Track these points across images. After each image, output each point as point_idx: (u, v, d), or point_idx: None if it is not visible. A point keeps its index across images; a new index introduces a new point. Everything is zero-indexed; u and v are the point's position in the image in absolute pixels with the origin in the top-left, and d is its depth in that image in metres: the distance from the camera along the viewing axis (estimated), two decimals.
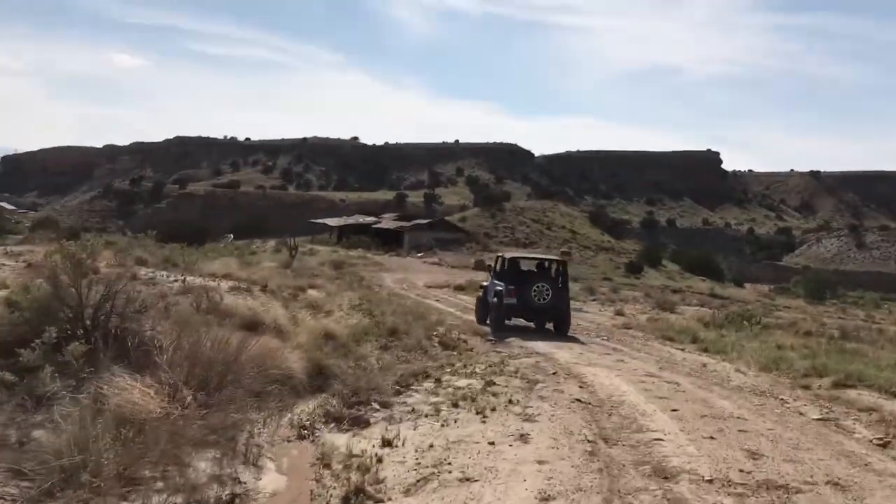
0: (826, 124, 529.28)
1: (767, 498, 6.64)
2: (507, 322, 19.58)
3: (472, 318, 21.91)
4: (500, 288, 19.56)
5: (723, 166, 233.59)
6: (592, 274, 60.01)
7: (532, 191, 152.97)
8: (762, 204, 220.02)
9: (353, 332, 14.10)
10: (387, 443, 7.44)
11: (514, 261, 21.21)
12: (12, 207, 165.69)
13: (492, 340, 17.97)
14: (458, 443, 7.69)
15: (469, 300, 27.03)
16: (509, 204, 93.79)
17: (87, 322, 8.30)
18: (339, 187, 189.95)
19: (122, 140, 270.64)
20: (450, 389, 10.60)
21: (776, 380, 13.73)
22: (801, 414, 10.53)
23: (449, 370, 12.50)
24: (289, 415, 8.36)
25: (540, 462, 7.20)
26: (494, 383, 11.22)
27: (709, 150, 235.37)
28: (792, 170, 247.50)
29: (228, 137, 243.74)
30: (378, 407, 8.98)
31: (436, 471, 6.88)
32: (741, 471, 7.27)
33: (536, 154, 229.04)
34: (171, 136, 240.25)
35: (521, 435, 8.11)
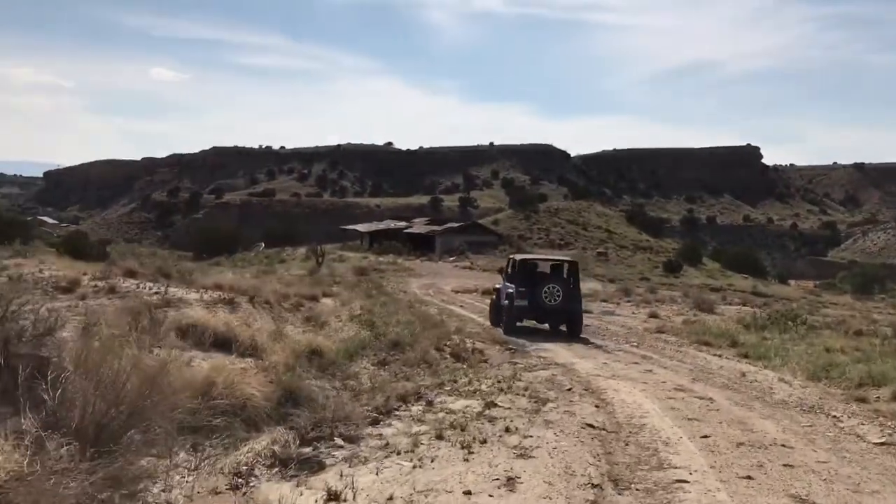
0: (869, 115, 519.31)
1: None
2: (518, 324, 19.40)
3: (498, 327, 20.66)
4: (511, 290, 19.38)
5: (763, 161, 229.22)
6: (629, 274, 58.05)
7: (568, 192, 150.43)
8: (805, 198, 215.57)
9: (346, 346, 12.64)
10: (333, 496, 5.88)
11: (525, 262, 20.83)
12: (54, 221, 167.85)
13: (511, 350, 16.49)
14: (425, 493, 6.12)
15: None
16: (543, 205, 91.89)
17: None
18: (373, 193, 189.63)
19: (161, 152, 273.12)
20: (441, 414, 9.07)
21: (826, 391, 11.97)
22: (859, 437, 8.80)
23: (448, 388, 10.98)
24: (230, 457, 6.87)
25: None
26: (496, 404, 9.66)
27: (748, 145, 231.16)
28: (835, 162, 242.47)
29: (264, 147, 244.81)
30: (342, 443, 7.44)
31: None
32: None
33: (573, 154, 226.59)
34: (207, 147, 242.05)
35: (509, 479, 6.51)
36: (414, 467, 6.84)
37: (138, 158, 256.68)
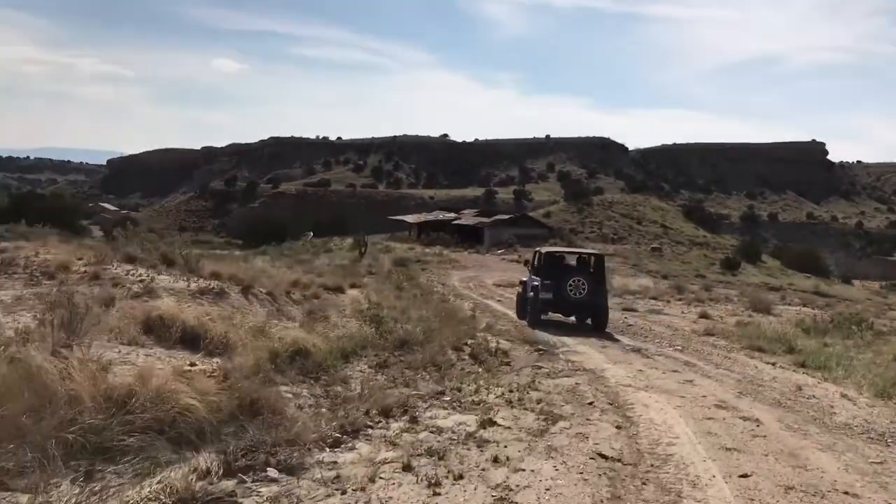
0: None
1: None
2: (543, 317, 19.20)
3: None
4: (536, 283, 19.18)
5: (829, 157, 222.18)
6: (684, 271, 55.87)
7: (626, 185, 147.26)
8: (872, 196, 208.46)
9: (343, 345, 11.17)
10: None
11: (551, 255, 20.48)
12: (114, 208, 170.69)
13: (541, 351, 14.91)
14: None
15: None
16: (597, 198, 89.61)
17: None
18: (428, 185, 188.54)
19: (221, 142, 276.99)
20: (423, 434, 7.53)
21: None
22: None
23: (449, 398, 9.44)
24: (134, 489, 5.42)
25: None
26: (495, 422, 8.10)
27: (813, 141, 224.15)
28: None
29: (321, 137, 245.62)
30: (276, 474, 5.91)
31: None
32: None
33: (630, 148, 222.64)
34: (265, 137, 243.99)
35: None
36: None
37: (198, 147, 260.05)
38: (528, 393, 10.03)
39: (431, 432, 7.60)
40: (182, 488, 5.23)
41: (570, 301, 18.81)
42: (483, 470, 6.38)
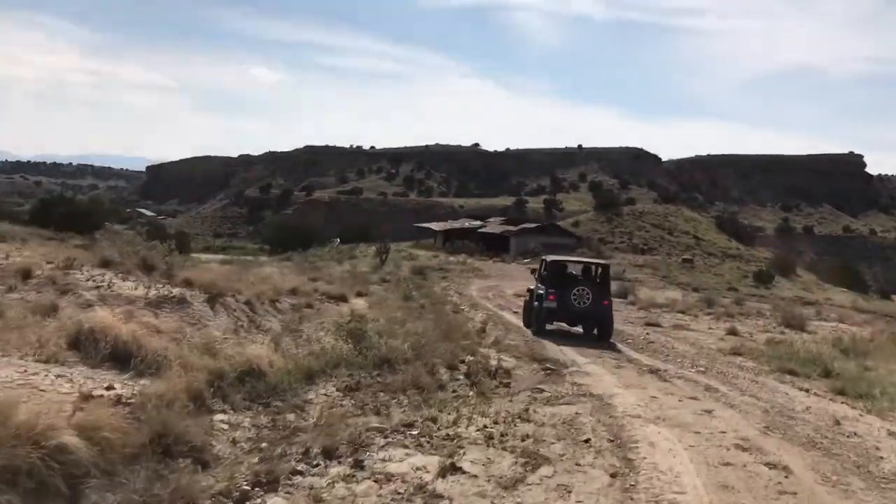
0: None
1: None
2: (548, 326, 18.95)
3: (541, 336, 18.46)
4: (541, 292, 19.09)
5: (867, 170, 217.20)
6: (716, 283, 53.89)
7: (658, 196, 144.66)
8: None
9: (310, 364, 9.78)
10: None
11: (556, 264, 20.29)
12: (152, 214, 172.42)
13: (548, 370, 13.47)
14: None
15: None
16: (627, 208, 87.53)
17: None
18: (459, 193, 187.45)
19: (257, 150, 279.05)
20: (363, 485, 6.09)
21: None
22: None
23: (417, 431, 7.99)
24: None
25: None
26: (459, 468, 6.63)
27: (851, 153, 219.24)
28: None
29: (354, 146, 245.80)
30: None
31: None
32: None
33: (664, 159, 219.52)
34: (300, 145, 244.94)
35: None
36: None
37: (235, 155, 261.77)
38: (515, 425, 8.57)
39: (375, 481, 6.16)
40: None
41: (575, 310, 18.60)
42: None
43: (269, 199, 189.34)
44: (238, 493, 5.58)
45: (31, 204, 76.13)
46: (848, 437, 9.22)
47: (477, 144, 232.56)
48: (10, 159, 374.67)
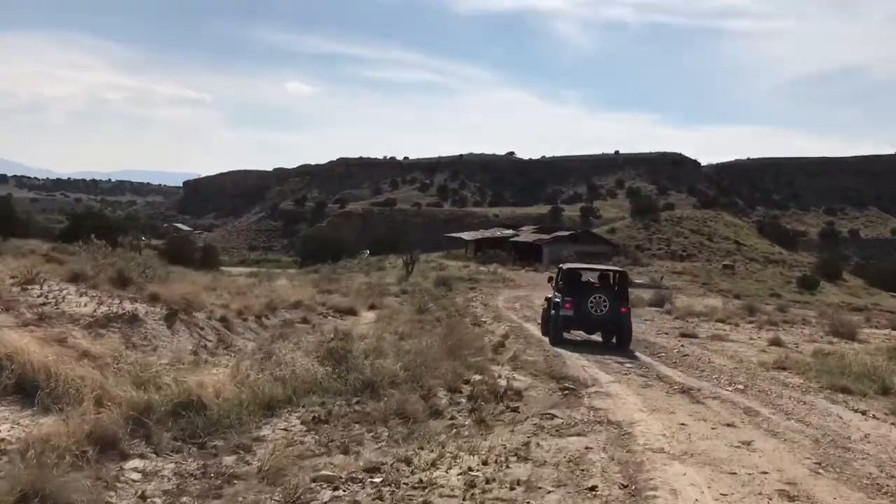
0: None
1: None
2: (565, 335, 18.80)
3: (564, 349, 17.37)
4: (557, 300, 18.77)
5: None
6: (758, 289, 51.76)
7: (698, 202, 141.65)
8: None
9: (271, 392, 8.35)
10: None
11: (572, 272, 20.10)
12: (188, 229, 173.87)
13: (566, 391, 11.96)
14: None
15: None
16: (665, 213, 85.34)
17: None
18: (494, 203, 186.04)
19: (292, 163, 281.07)
20: None
21: None
22: None
23: (381, 478, 6.50)
24: None
25: None
26: None
27: None
28: None
29: (388, 157, 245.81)
30: None
31: None
32: None
33: (703, 164, 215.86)
34: (335, 157, 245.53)
35: None
36: None
37: (270, 169, 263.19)
38: (508, 467, 7.05)
39: None
40: None
41: (592, 318, 18.29)
42: None
43: (303, 211, 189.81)
44: None
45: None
46: None
47: (512, 153, 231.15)
48: (50, 177, 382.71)
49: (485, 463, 7.12)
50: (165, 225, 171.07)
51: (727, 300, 39.16)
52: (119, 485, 5.55)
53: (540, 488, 6.40)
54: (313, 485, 6.05)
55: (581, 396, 11.48)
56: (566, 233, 71.46)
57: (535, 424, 9.25)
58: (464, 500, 6.03)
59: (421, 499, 5.95)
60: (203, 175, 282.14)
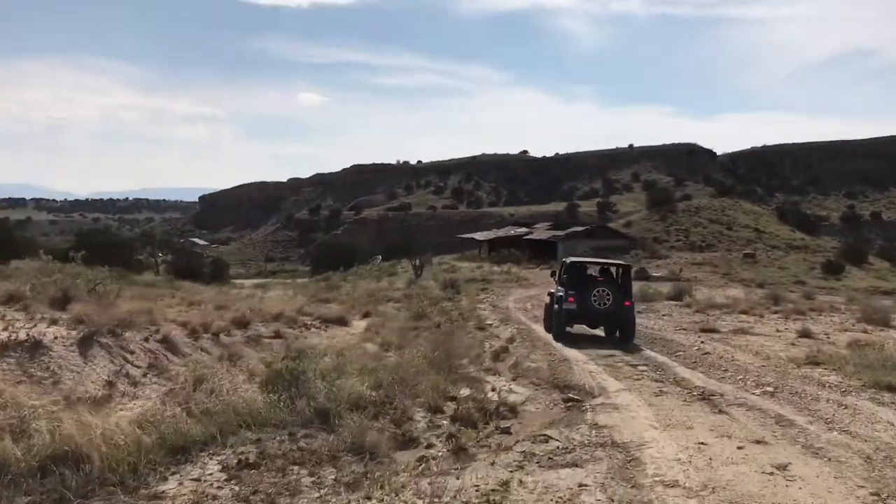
0: None
1: None
2: (569, 329, 18.53)
3: (573, 351, 16.03)
4: (560, 294, 18.56)
5: None
6: (781, 277, 49.86)
7: (715, 191, 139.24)
8: None
9: (187, 430, 6.82)
10: None
11: (575, 265, 19.51)
12: (204, 243, 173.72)
13: (569, 403, 10.44)
14: None
15: None
16: (682, 204, 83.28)
17: None
18: (509, 202, 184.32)
19: (306, 173, 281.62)
20: None
21: None
22: None
23: None
24: None
25: None
26: None
27: None
28: None
29: (401, 162, 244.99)
30: None
31: None
32: None
33: (719, 153, 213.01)
34: (348, 165, 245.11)
35: None
36: None
37: (285, 179, 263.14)
38: None
39: None
40: None
41: (595, 312, 18.11)
42: None
43: (318, 220, 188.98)
44: None
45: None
46: None
47: (525, 151, 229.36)
48: (69, 198, 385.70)
49: None
50: (181, 240, 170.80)
51: (749, 290, 37.40)
52: None
53: None
54: None
55: (585, 410, 9.90)
56: (581, 228, 69.57)
57: (523, 452, 7.70)
58: None
59: None
60: (219, 189, 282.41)
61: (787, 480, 6.48)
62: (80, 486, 5.46)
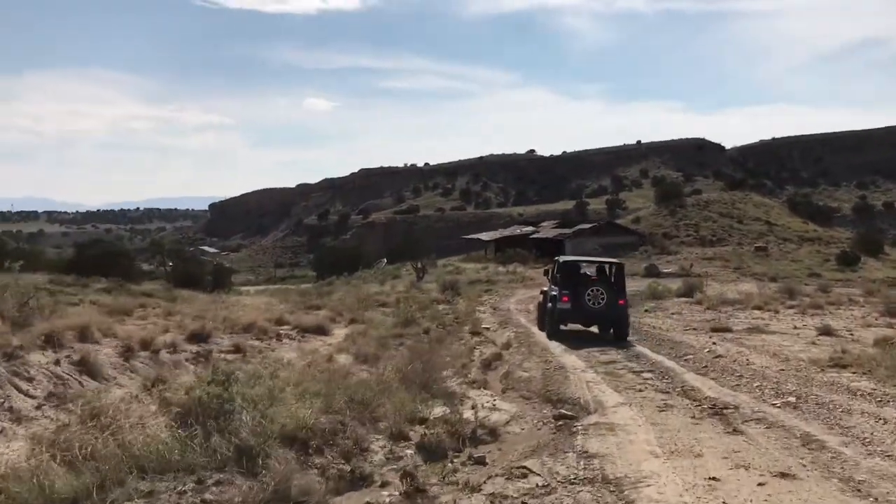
0: None
1: None
2: (562, 328, 18.21)
3: (572, 356, 14.66)
4: (554, 293, 18.37)
5: None
6: (795, 270, 48.27)
7: (725, 185, 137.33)
8: None
9: (50, 485, 5.38)
10: None
11: (568, 264, 19.45)
12: (214, 251, 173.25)
13: (562, 419, 9.05)
14: None
15: None
16: (692, 198, 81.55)
17: None
18: (518, 202, 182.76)
19: (315, 178, 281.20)
20: None
21: None
22: None
23: None
24: None
25: None
26: None
27: None
28: None
29: (409, 165, 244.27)
30: None
31: None
32: None
33: (727, 147, 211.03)
34: (356, 169, 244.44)
35: None
36: None
37: (293, 185, 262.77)
38: None
39: None
40: None
41: (589, 311, 17.95)
42: None
43: (327, 225, 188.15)
44: None
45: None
46: None
47: (532, 151, 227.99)
48: (80, 210, 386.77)
49: None
50: (191, 249, 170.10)
51: (763, 284, 35.83)
52: None
53: None
54: None
55: (576, 431, 8.44)
56: (588, 225, 67.83)
57: (492, 494, 6.25)
58: None
59: None
60: (229, 197, 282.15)
61: None
62: None
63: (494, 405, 10.10)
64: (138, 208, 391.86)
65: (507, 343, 17.00)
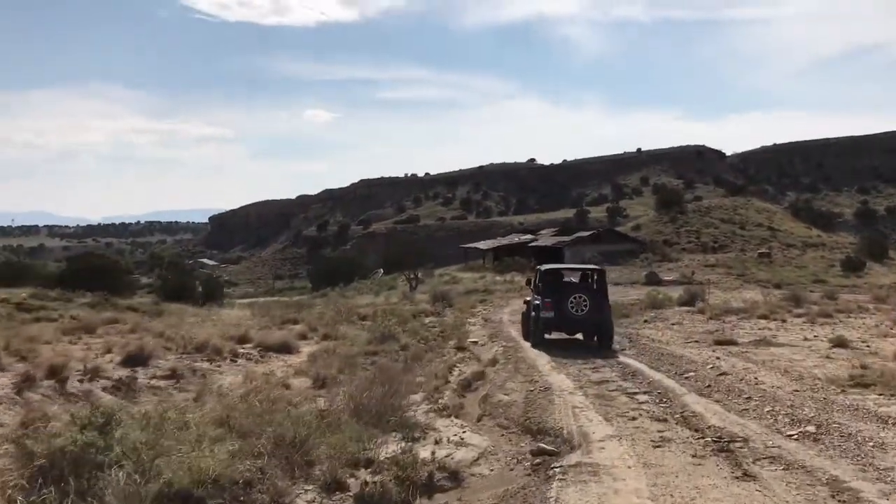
0: None
1: None
2: (547, 336, 17.97)
3: (560, 376, 13.20)
4: (537, 302, 18.24)
5: None
6: (799, 276, 46.82)
7: (726, 192, 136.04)
8: None
9: None
10: None
11: (550, 273, 19.44)
12: (214, 263, 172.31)
13: (539, 455, 7.69)
14: None
15: None
16: (692, 204, 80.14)
17: None
18: (518, 211, 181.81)
19: (315, 189, 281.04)
20: None
21: None
22: None
23: None
24: None
25: None
26: None
27: None
28: None
29: (409, 175, 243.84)
30: None
31: None
32: None
33: (728, 154, 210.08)
34: (356, 180, 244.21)
35: None
36: None
37: (293, 197, 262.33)
38: None
39: None
40: None
41: (573, 318, 17.88)
42: None
43: (327, 236, 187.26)
44: None
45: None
46: None
47: (532, 160, 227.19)
48: (81, 224, 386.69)
49: None
50: (190, 262, 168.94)
51: (767, 291, 34.34)
52: None
53: None
54: None
55: (552, 476, 6.98)
56: (587, 233, 66.34)
57: None
58: None
59: None
60: (229, 209, 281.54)
61: None
62: None
63: (462, 439, 8.66)
64: (139, 221, 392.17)
65: (493, 359, 15.52)
